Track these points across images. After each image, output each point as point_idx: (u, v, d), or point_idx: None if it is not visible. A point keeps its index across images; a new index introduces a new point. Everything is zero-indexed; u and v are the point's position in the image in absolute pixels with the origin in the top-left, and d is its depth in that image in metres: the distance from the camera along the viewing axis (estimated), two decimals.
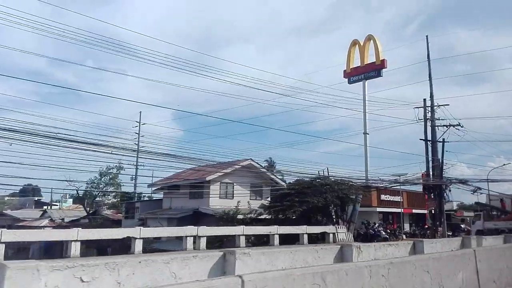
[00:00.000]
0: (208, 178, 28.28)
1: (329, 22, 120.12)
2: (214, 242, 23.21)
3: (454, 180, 31.10)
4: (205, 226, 17.50)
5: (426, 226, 34.38)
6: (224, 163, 27.33)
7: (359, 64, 43.62)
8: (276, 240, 19.05)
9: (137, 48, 53.51)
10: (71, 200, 61.05)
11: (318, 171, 27.02)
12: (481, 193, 34.99)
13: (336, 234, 21.53)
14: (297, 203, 22.56)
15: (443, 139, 31.05)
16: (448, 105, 31.54)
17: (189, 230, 16.23)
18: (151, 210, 32.23)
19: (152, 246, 25.99)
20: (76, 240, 12.73)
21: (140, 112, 47.86)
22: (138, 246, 13.79)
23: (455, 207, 52.95)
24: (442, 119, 31.59)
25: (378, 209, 36.34)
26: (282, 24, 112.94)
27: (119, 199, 45.58)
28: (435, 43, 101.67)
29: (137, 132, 46.29)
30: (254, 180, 30.60)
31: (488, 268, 6.74)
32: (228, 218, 24.45)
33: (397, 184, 32.77)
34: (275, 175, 31.04)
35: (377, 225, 30.05)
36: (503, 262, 7.31)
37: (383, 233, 28.74)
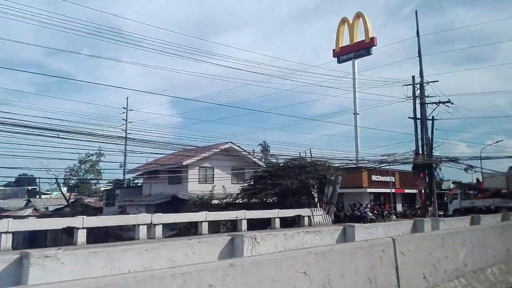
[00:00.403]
0: (185, 163, 27.21)
1: (328, 4, 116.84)
2: (190, 229, 22.24)
3: (444, 159, 29.87)
4: (161, 213, 16.39)
5: (418, 206, 33.49)
6: (203, 147, 26.19)
7: (349, 43, 42.12)
8: (244, 225, 17.96)
9: (135, 35, 52.06)
10: (65, 188, 60.38)
11: (299, 153, 25.80)
12: (475, 171, 33.85)
13: (311, 217, 20.35)
14: (270, 185, 21.42)
15: (432, 116, 29.89)
16: (438, 81, 30.27)
17: (142, 218, 15.13)
18: (131, 197, 31.34)
19: (129, 234, 25.18)
20: (7, 232, 11.67)
21: (127, 98, 46.74)
22: (81, 236, 12.69)
23: (452, 186, 51.80)
24: (431, 97, 30.29)
25: (369, 190, 35.41)
26: (282, 9, 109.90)
27: (108, 186, 44.81)
28: (436, 24, 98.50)
29: (124, 118, 45.29)
30: (236, 164, 29.47)
31: (415, 261, 5.54)
32: (202, 204, 23.45)
33: (386, 164, 31.66)
34: (256, 158, 29.87)
35: (363, 206, 29.08)
36: (440, 251, 6.10)
37: (370, 214, 27.85)
